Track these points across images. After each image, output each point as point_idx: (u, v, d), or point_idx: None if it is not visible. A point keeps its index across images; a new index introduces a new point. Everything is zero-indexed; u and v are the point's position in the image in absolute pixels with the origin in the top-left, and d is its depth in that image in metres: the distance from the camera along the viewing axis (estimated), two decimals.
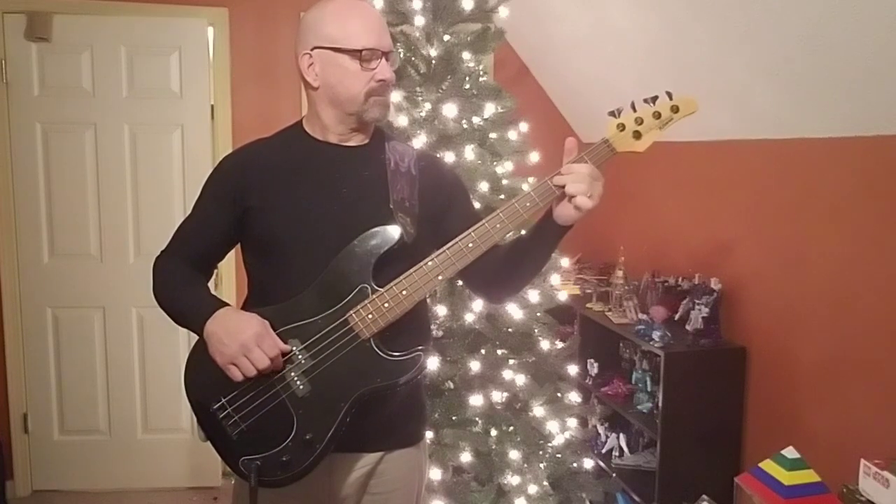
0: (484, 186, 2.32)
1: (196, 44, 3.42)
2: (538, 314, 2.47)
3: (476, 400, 2.30)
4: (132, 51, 3.36)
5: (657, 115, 1.39)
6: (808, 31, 2.11)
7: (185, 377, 1.46)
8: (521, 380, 2.37)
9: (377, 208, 1.43)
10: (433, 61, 2.38)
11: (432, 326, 2.29)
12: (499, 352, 2.40)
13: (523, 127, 2.49)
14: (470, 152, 2.34)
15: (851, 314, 2.27)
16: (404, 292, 1.37)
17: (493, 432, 2.34)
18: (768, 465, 2.04)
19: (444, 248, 1.37)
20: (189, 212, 1.55)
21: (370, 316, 1.37)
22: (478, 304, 2.32)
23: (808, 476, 1.98)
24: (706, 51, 2.56)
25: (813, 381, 2.43)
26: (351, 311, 1.37)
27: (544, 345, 2.47)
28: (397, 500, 1.56)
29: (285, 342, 1.37)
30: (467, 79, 2.39)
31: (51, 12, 3.27)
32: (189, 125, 3.43)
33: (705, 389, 2.72)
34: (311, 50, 1.43)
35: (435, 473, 2.22)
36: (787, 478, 1.96)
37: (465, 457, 2.26)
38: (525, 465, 2.33)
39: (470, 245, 1.37)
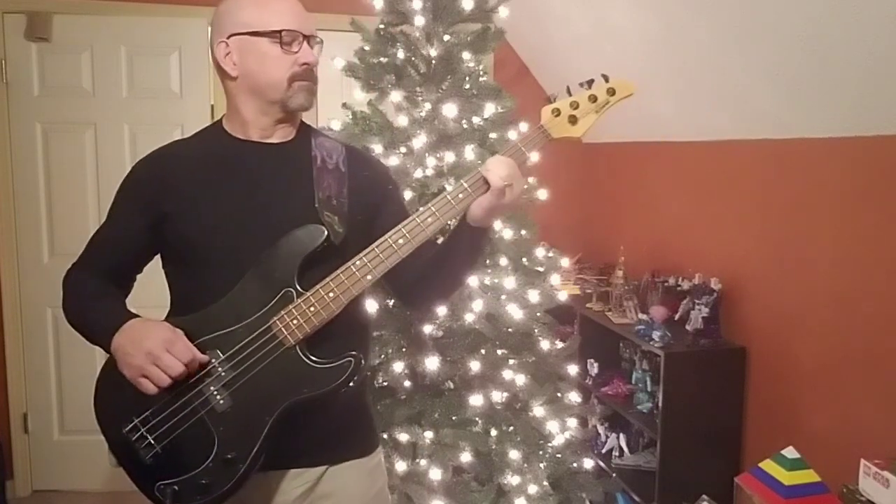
0: None
1: (196, 44, 3.41)
2: (538, 314, 2.47)
3: (476, 400, 2.30)
4: (132, 51, 3.36)
5: (593, 99, 1.35)
6: (808, 31, 2.11)
7: (94, 399, 1.36)
8: (521, 380, 2.37)
9: (302, 208, 1.34)
10: (433, 61, 2.38)
11: (431, 327, 2.29)
12: (499, 352, 2.40)
13: (523, 127, 2.49)
14: (470, 152, 2.34)
15: (852, 314, 2.27)
16: (331, 294, 1.28)
17: (493, 432, 2.34)
18: (768, 465, 2.04)
19: (373, 245, 1.29)
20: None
21: (295, 322, 1.27)
22: (478, 304, 2.32)
23: (808, 476, 1.98)
24: (706, 51, 2.56)
25: (813, 381, 2.43)
26: (275, 318, 1.28)
27: (544, 345, 2.47)
28: None
29: (204, 354, 1.27)
30: (467, 79, 2.39)
31: (51, 12, 3.27)
32: (189, 125, 3.41)
33: (705, 389, 2.72)
34: (228, 38, 1.35)
35: (435, 473, 2.22)
36: (787, 478, 1.96)
37: (465, 457, 2.26)
38: (525, 465, 2.33)
39: (400, 241, 1.29)
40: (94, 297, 1.39)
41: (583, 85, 1.35)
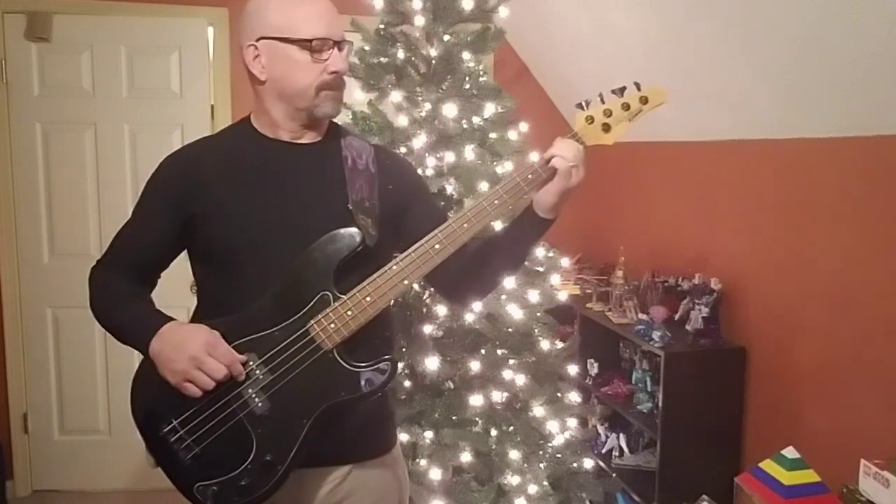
0: (484, 186, 2.32)
1: (196, 44, 3.42)
2: (538, 314, 2.47)
3: (476, 400, 2.30)
4: (132, 51, 3.36)
5: (626, 107, 1.34)
6: (808, 32, 2.11)
7: (131, 399, 1.37)
8: (521, 380, 2.37)
9: (335, 210, 1.33)
10: (433, 61, 2.38)
11: (431, 327, 2.29)
12: (499, 352, 2.40)
13: (523, 127, 2.49)
14: (470, 152, 2.34)
15: (851, 314, 2.27)
16: (368, 299, 1.28)
17: (493, 432, 2.34)
18: (768, 465, 2.03)
19: (410, 250, 1.30)
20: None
21: (332, 325, 1.27)
22: (478, 304, 2.31)
23: (808, 476, 1.98)
24: (706, 51, 2.56)
25: (813, 381, 2.43)
26: (312, 321, 1.27)
27: (544, 345, 2.47)
28: None
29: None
30: (467, 79, 2.39)
31: (51, 12, 3.27)
32: (189, 125, 3.43)
33: (705, 389, 2.72)
34: (257, 41, 1.32)
35: (435, 473, 2.22)
36: (787, 478, 1.96)
37: (465, 457, 2.26)
38: (525, 465, 2.33)
39: (437, 246, 1.29)
40: (125, 299, 1.39)
41: (615, 92, 1.34)
